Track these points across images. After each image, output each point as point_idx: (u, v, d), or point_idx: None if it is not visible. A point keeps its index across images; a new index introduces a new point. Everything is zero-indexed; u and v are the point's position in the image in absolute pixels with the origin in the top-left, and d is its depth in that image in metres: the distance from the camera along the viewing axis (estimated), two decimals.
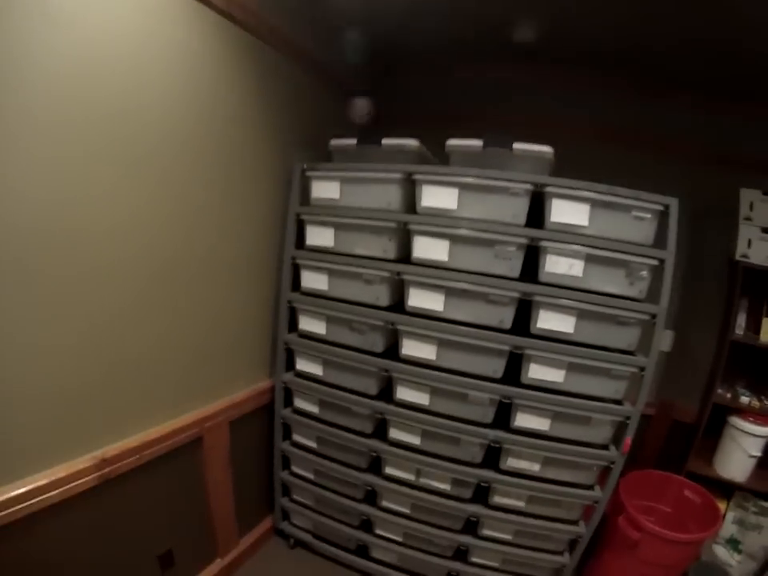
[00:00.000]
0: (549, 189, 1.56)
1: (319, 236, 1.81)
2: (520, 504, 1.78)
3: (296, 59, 1.87)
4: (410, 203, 1.70)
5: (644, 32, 1.89)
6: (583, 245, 1.57)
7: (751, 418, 2.21)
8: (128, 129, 1.24)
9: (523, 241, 1.58)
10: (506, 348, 1.63)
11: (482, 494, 1.80)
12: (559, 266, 1.60)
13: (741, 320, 2.30)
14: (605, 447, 1.73)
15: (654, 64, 2.17)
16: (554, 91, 2.41)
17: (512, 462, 1.74)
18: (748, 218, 2.19)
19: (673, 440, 2.47)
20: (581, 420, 1.67)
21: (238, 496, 1.86)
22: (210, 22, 1.44)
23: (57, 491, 1.16)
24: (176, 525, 1.63)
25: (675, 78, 2.25)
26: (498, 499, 1.79)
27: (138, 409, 1.40)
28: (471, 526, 1.84)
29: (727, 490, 2.32)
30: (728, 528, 2.30)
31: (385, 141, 1.76)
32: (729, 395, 2.27)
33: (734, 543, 2.29)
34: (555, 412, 1.67)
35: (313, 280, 1.83)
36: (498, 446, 1.72)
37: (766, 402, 2.25)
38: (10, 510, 1.06)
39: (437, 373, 1.71)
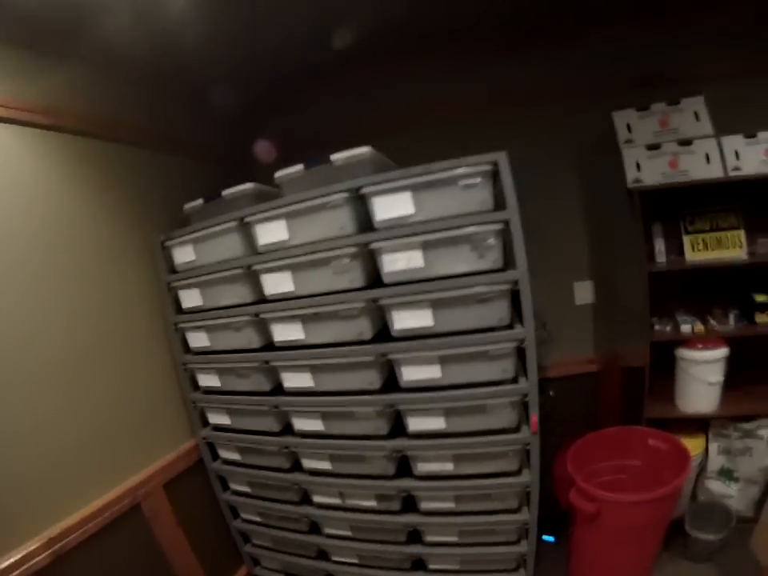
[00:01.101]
0: (364, 190, 1.41)
1: (190, 298, 1.74)
2: (449, 505, 1.61)
3: (144, 144, 1.84)
4: (254, 245, 1.57)
5: None
6: (416, 233, 1.39)
7: (700, 345, 1.87)
8: None
9: (354, 249, 1.42)
10: (371, 358, 1.48)
11: (410, 503, 1.64)
12: (397, 262, 1.42)
13: (660, 247, 1.99)
14: (517, 430, 1.50)
15: (494, 23, 1.90)
16: (411, 80, 2.18)
17: (423, 467, 1.58)
18: (629, 141, 1.89)
19: (632, 389, 2.14)
20: (475, 410, 1.49)
21: (201, 553, 1.81)
22: (39, 140, 1.44)
23: (17, 572, 1.18)
24: None
25: (519, 29, 1.97)
26: (426, 505, 1.63)
27: (70, 491, 1.40)
28: (416, 536, 1.69)
29: (702, 424, 1.98)
30: (716, 460, 1.97)
31: (224, 192, 1.66)
32: (669, 328, 1.95)
33: (727, 473, 1.96)
34: (445, 409, 1.47)
35: (196, 339, 1.76)
36: (401, 454, 1.53)
37: (711, 322, 1.90)
38: None
39: (320, 398, 1.57)
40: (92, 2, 1.32)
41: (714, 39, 1.87)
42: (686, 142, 1.78)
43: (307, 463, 1.68)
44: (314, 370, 1.56)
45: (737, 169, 1.74)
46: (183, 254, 1.72)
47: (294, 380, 1.60)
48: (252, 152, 2.39)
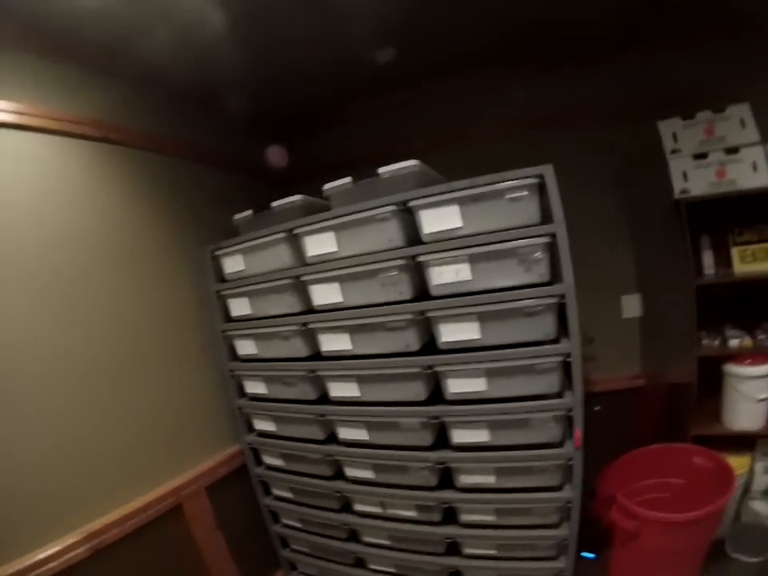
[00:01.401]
0: (412, 203, 1.44)
1: (239, 307, 1.79)
2: (490, 518, 1.61)
3: (191, 158, 1.92)
4: (302, 255, 1.62)
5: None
6: (463, 246, 1.41)
7: (748, 360, 1.83)
8: (33, 259, 1.34)
9: (402, 262, 1.45)
10: (417, 370, 1.50)
11: (451, 515, 1.64)
12: (444, 275, 1.45)
13: (708, 259, 1.95)
14: (560, 444, 1.50)
15: (534, 44, 1.94)
16: (459, 100, 2.25)
17: (465, 479, 1.58)
18: (675, 150, 1.86)
19: (678, 406, 2.10)
20: (519, 424, 1.49)
21: (238, 556, 1.84)
22: (88, 151, 1.53)
23: (56, 562, 1.24)
24: None
25: (558, 50, 2.00)
26: (466, 517, 1.62)
27: (114, 489, 1.46)
28: (454, 548, 1.68)
29: (748, 442, 1.93)
30: (761, 479, 1.92)
31: (274, 204, 1.70)
32: (717, 343, 1.90)
33: None
34: (489, 422, 1.49)
35: (245, 347, 1.81)
36: (443, 466, 1.54)
37: (759, 336, 1.86)
38: None
39: (365, 408, 1.59)
40: (141, 27, 1.42)
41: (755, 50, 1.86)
42: (732, 150, 1.76)
43: (350, 472, 1.71)
44: (360, 380, 1.59)
45: None
46: (233, 264, 1.77)
47: (340, 389, 1.63)
48: (287, 166, 2.47)
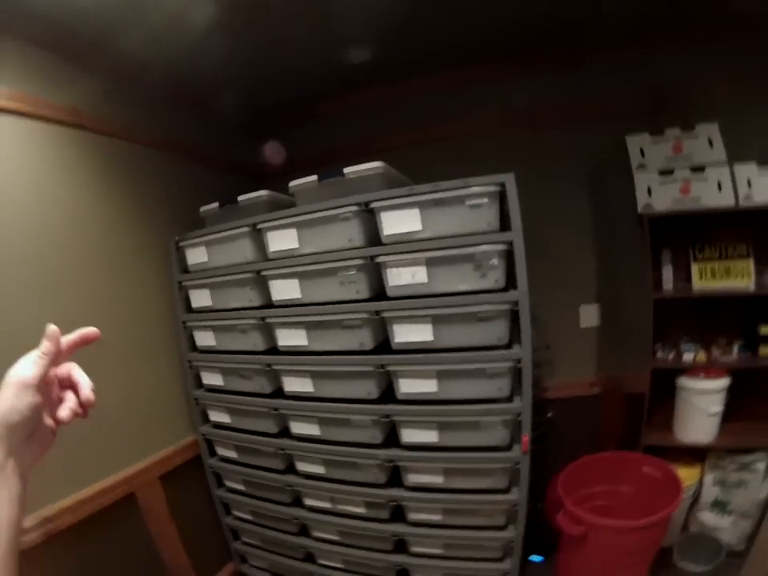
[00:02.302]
0: (374, 204, 1.45)
1: (200, 298, 1.79)
2: (437, 517, 1.63)
3: (163, 148, 1.91)
4: (265, 251, 1.62)
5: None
6: (421, 250, 1.42)
7: (701, 374, 1.87)
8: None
9: (361, 261, 1.46)
10: (370, 368, 1.51)
11: (399, 513, 1.66)
12: (401, 277, 1.46)
13: (668, 273, 1.99)
14: (508, 448, 1.52)
15: (517, 40, 1.94)
16: (440, 96, 2.24)
17: (414, 478, 1.60)
18: (642, 166, 1.89)
19: (632, 415, 2.14)
20: (468, 426, 1.51)
21: (191, 546, 1.85)
22: (62, 137, 1.51)
23: None
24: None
25: (536, 48, 2.01)
26: (414, 516, 1.64)
27: (68, 474, 1.44)
28: (402, 546, 1.70)
29: (699, 454, 1.98)
30: (710, 491, 1.96)
31: (240, 198, 1.71)
32: (671, 356, 1.95)
33: (720, 505, 1.94)
34: (438, 422, 1.51)
35: (203, 338, 1.81)
36: (392, 464, 1.56)
37: (714, 351, 1.91)
38: None
39: (319, 404, 1.61)
40: (121, 18, 1.40)
41: (731, 61, 1.87)
42: (698, 169, 1.78)
43: (301, 466, 1.72)
44: (314, 375, 1.60)
45: (748, 197, 1.74)
46: (196, 255, 1.77)
47: (294, 384, 1.64)
48: (265, 162, 2.47)
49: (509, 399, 1.50)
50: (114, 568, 1.57)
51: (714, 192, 1.78)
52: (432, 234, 1.42)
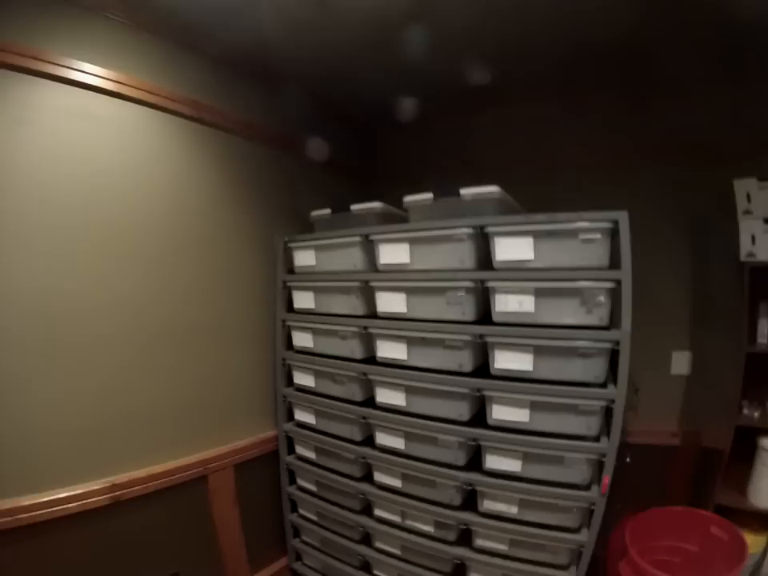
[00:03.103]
0: (489, 229, 1.53)
1: (303, 300, 1.90)
2: (503, 547, 1.65)
3: (275, 145, 2.06)
4: (374, 261, 1.74)
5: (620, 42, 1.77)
6: (531, 279, 1.49)
7: None
8: (114, 230, 1.50)
9: (471, 284, 1.55)
10: (466, 391, 1.58)
11: (466, 537, 1.69)
12: (509, 304, 1.54)
13: (763, 327, 1.92)
14: (587, 488, 1.55)
15: (630, 74, 2.01)
16: (534, 128, 2.33)
17: (489, 505, 1.63)
18: (747, 212, 1.80)
19: (705, 471, 2.10)
20: (553, 460, 1.54)
21: (248, 533, 1.92)
22: (181, 129, 1.69)
23: (74, 504, 1.35)
24: (185, 552, 1.71)
25: (649, 85, 2.06)
26: (480, 542, 1.67)
27: (146, 447, 1.57)
28: (460, 570, 1.72)
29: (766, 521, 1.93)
30: None
31: (353, 207, 1.83)
32: (757, 414, 1.90)
33: None
34: (524, 453, 1.56)
35: (301, 339, 1.91)
36: (471, 488, 1.61)
37: None
38: (35, 513, 1.26)
39: (408, 418, 1.68)
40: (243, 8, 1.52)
41: None
42: None
43: (379, 477, 1.78)
44: (408, 390, 1.68)
45: None
46: (304, 258, 1.91)
47: (387, 396, 1.72)
48: (377, 170, 2.63)
49: (596, 438, 1.54)
50: (173, 543, 1.66)
51: None
52: (542, 265, 1.47)
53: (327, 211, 1.93)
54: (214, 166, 1.81)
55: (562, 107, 2.25)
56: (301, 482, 2.00)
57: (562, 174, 2.23)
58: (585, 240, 1.40)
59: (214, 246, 1.81)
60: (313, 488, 1.95)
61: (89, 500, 1.38)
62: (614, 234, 1.41)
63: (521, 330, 1.51)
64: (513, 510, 1.61)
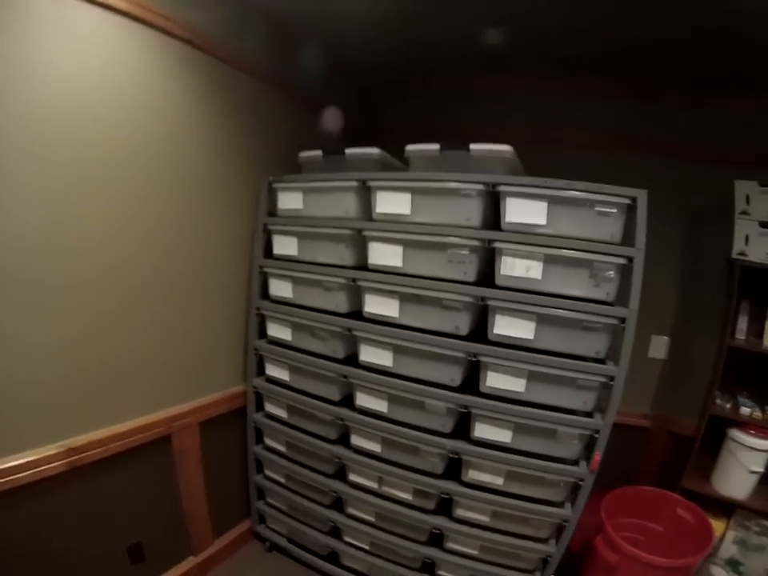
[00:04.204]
0: (502, 188, 1.38)
1: (285, 245, 1.71)
2: (484, 519, 1.58)
3: (265, 82, 1.80)
4: (368, 210, 1.55)
5: (628, 32, 1.67)
6: (541, 245, 1.37)
7: (752, 431, 1.88)
8: (98, 169, 1.26)
9: (477, 243, 1.42)
10: (461, 355, 1.46)
11: (445, 507, 1.61)
12: (516, 268, 1.41)
13: (742, 324, 1.97)
14: (575, 463, 1.49)
15: (641, 63, 1.92)
16: (537, 100, 2.21)
17: (474, 475, 1.55)
18: (744, 213, 1.85)
19: (671, 455, 2.15)
20: (545, 433, 1.47)
21: (212, 496, 1.76)
22: (172, 52, 1.42)
23: (28, 472, 1.15)
24: (147, 519, 1.56)
25: (662, 77, 2.00)
26: (461, 512, 1.60)
27: (105, 405, 1.37)
28: (436, 539, 1.65)
29: (728, 508, 1.98)
30: (728, 548, 1.96)
31: (348, 150, 1.62)
32: (729, 406, 1.95)
33: (734, 564, 1.95)
34: (516, 423, 1.47)
35: (279, 288, 1.72)
36: (457, 456, 1.52)
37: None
38: None
39: (394, 380, 1.54)
40: None
41: None
42: None
43: (356, 440, 1.65)
44: (397, 350, 1.54)
45: None
46: (290, 200, 1.69)
47: (372, 355, 1.57)
48: (370, 126, 2.42)
49: (588, 414, 1.47)
50: (134, 510, 1.50)
51: None
52: (554, 232, 1.37)
53: (318, 153, 1.71)
54: (204, 95, 1.55)
55: (568, 85, 2.15)
56: (269, 442, 1.86)
57: (562, 152, 2.13)
58: (600, 212, 1.32)
59: (202, 187, 1.58)
60: (282, 449, 1.81)
61: (42, 467, 1.18)
62: (628, 212, 1.33)
63: (527, 296, 1.39)
64: (498, 482, 1.54)
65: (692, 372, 2.09)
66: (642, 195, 1.31)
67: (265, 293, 1.77)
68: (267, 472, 1.89)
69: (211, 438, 1.71)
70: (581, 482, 1.47)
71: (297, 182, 1.67)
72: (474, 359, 1.45)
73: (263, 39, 1.74)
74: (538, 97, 2.19)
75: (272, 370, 1.78)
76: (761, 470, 1.87)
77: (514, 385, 1.46)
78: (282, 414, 1.78)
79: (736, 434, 1.91)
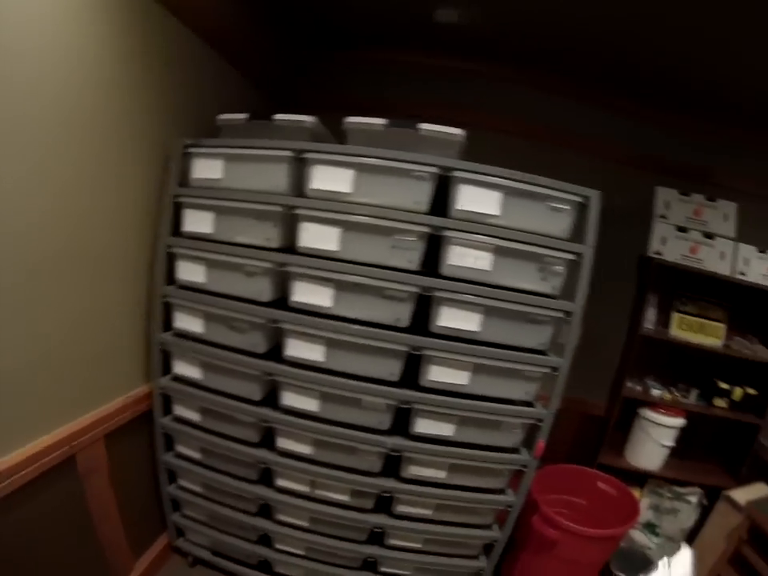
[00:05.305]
0: (457, 173, 1.26)
1: (198, 222, 1.44)
2: (427, 512, 1.54)
3: (192, 27, 1.49)
4: (300, 186, 1.35)
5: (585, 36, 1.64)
6: (493, 236, 1.28)
7: (662, 410, 2.03)
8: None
9: (425, 230, 1.29)
10: (403, 349, 1.34)
11: (385, 504, 1.53)
12: (464, 258, 1.30)
13: (651, 315, 2.13)
14: (515, 450, 1.46)
15: (583, 64, 1.92)
16: (481, 85, 2.16)
17: (415, 470, 1.47)
18: (663, 216, 2.03)
19: (583, 434, 2.26)
20: (489, 424, 1.43)
21: (127, 515, 1.51)
22: None
23: None
24: (59, 556, 1.27)
25: (605, 82, 2.06)
26: (402, 508, 1.52)
27: None
28: (377, 537, 1.57)
29: (640, 478, 2.14)
30: (644, 514, 2.14)
31: (278, 116, 1.39)
32: (639, 388, 2.09)
33: (650, 527, 2.13)
34: (460, 417, 1.39)
35: (189, 272, 1.46)
36: (398, 454, 1.41)
37: (676, 394, 2.08)
38: None
39: (326, 376, 1.39)
40: None
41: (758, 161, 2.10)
42: (709, 236, 1.97)
43: (284, 443, 1.47)
44: (331, 344, 1.38)
45: (742, 273, 1.95)
46: (207, 169, 1.42)
47: (301, 349, 1.39)
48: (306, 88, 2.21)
49: (529, 404, 1.45)
50: (45, 548, 1.22)
51: (716, 259, 1.98)
52: (507, 223, 1.29)
53: (241, 116, 1.45)
54: (124, 32, 1.23)
55: (504, 74, 2.14)
56: (181, 449, 1.61)
57: (493, 139, 2.08)
58: (553, 208, 1.29)
59: (104, 143, 1.24)
60: (197, 455, 1.59)
61: None
62: (580, 209, 1.31)
63: (476, 288, 1.30)
64: (441, 475, 1.48)
65: (602, 357, 2.21)
66: (595, 195, 1.30)
67: (172, 278, 1.49)
68: (181, 482, 1.65)
69: (119, 450, 1.44)
70: (524, 469, 1.47)
71: (218, 148, 1.40)
72: (417, 353, 1.34)
73: None
74: (478, 82, 2.15)
75: (181, 368, 1.53)
76: (671, 443, 2.03)
77: (458, 378, 1.38)
78: (194, 417, 1.54)
79: (648, 413, 2.05)
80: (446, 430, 1.42)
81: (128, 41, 1.25)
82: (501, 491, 1.52)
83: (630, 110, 2.13)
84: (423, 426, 1.42)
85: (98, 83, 1.18)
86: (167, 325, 1.52)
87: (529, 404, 1.46)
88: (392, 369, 1.38)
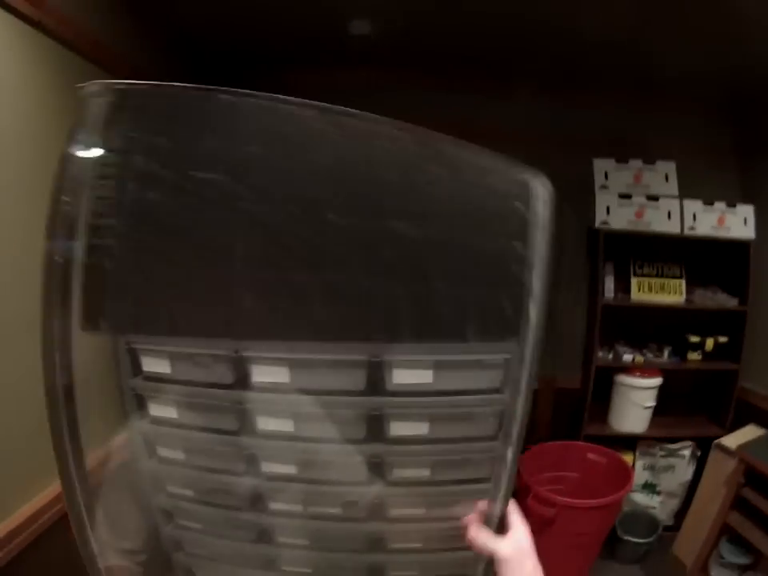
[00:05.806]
0: None
1: None
2: (419, 511, 1.54)
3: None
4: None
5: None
6: None
7: (638, 373, 2.10)
8: None
9: None
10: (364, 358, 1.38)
11: (377, 509, 1.55)
12: None
13: (609, 284, 2.22)
14: (494, 439, 1.51)
15: (494, 60, 2.03)
16: (395, 93, 2.36)
17: (398, 473, 1.50)
18: (604, 186, 2.12)
19: (563, 410, 2.34)
20: (462, 416, 1.45)
21: None
22: None
23: None
24: None
25: (513, 73, 2.31)
26: (395, 511, 1.54)
27: None
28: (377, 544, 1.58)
29: (629, 442, 2.20)
30: (640, 475, 2.21)
31: None
32: (610, 356, 2.17)
33: (650, 487, 2.20)
34: (430, 414, 1.44)
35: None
36: (378, 460, 1.46)
37: (647, 354, 2.15)
38: None
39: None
40: None
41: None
42: (653, 198, 2.06)
43: (268, 467, 1.54)
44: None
45: (692, 229, 2.04)
46: None
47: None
48: None
49: (498, 390, 1.50)
50: None
51: (664, 220, 2.06)
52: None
53: None
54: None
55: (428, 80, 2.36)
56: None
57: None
58: None
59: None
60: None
61: None
62: None
63: None
64: (425, 473, 1.52)
65: (566, 333, 2.28)
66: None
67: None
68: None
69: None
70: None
71: None
72: (376, 359, 1.40)
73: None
74: (391, 90, 2.37)
75: None
76: (653, 403, 2.10)
77: (422, 377, 1.44)
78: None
79: (624, 378, 2.13)
80: (419, 429, 1.47)
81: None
82: (486, 480, 1.55)
83: (541, 96, 2.33)
84: (397, 428, 1.47)
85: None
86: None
87: (498, 391, 1.50)
88: (356, 378, 1.43)
